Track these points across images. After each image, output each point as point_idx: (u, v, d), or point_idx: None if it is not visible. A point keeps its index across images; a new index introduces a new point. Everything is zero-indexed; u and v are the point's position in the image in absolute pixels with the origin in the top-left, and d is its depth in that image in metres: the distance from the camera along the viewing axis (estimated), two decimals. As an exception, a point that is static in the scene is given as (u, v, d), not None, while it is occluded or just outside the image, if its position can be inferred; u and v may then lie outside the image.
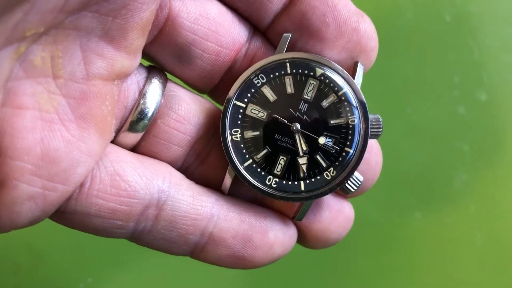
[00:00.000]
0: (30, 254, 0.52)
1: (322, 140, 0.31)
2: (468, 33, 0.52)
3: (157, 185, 0.30)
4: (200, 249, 0.32)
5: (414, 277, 0.52)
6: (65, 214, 0.29)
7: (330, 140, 0.32)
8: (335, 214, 0.33)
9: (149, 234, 0.31)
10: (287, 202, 0.33)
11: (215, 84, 0.33)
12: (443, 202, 0.52)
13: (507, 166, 0.52)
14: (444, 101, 0.53)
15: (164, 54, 0.31)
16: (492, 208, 0.52)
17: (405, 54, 0.53)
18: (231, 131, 0.32)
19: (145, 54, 0.32)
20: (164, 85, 0.31)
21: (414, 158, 0.53)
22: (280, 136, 0.32)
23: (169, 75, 0.33)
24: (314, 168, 0.32)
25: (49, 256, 0.52)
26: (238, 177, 0.32)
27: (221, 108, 0.32)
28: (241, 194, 0.34)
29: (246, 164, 0.32)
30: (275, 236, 0.32)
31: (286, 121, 0.31)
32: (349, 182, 0.31)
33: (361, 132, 0.31)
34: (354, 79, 0.31)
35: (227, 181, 0.32)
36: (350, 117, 0.31)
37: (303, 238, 0.34)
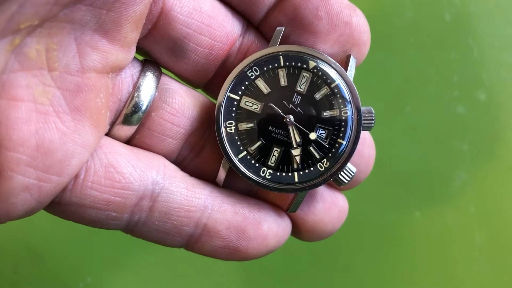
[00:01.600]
0: (30, 253, 0.52)
1: (312, 136, 0.31)
2: (467, 33, 0.52)
3: (151, 177, 0.31)
4: (194, 240, 0.32)
5: (413, 276, 0.52)
6: (60, 206, 0.29)
7: (323, 132, 0.32)
8: (329, 206, 0.34)
9: (144, 225, 0.31)
10: (281, 194, 0.33)
11: (209, 78, 0.33)
12: (443, 201, 0.52)
13: (506, 166, 0.52)
14: (444, 100, 0.52)
15: (158, 48, 0.32)
16: (491, 208, 0.52)
17: (405, 53, 0.53)
18: (225, 124, 0.32)
19: (140, 48, 0.32)
20: (158, 78, 0.32)
21: (413, 157, 0.52)
22: (274, 128, 0.32)
23: (163, 70, 0.33)
24: (307, 159, 0.32)
25: (49, 255, 0.52)
26: (232, 169, 0.32)
27: (215, 102, 0.32)
28: (236, 187, 0.34)
29: (240, 156, 0.32)
30: (269, 227, 0.32)
31: (280, 110, 0.31)
32: (342, 173, 0.32)
33: (354, 124, 0.32)
34: (346, 72, 0.32)
35: (222, 173, 0.32)
36: (342, 109, 0.32)
37: (297, 230, 0.34)
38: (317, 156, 0.32)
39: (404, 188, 0.53)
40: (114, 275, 0.53)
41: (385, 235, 0.52)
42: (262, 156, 0.32)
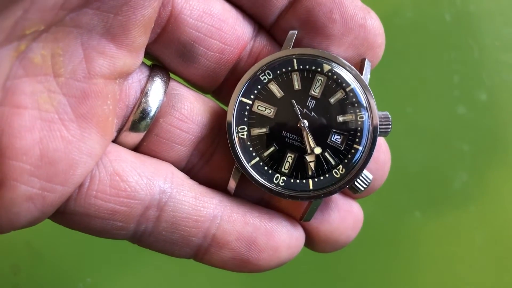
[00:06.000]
0: (30, 254, 0.52)
1: (317, 150, 0.31)
2: (468, 33, 0.52)
3: (158, 185, 0.30)
4: (203, 251, 0.31)
5: (413, 276, 0.52)
6: (65, 215, 0.29)
7: (338, 137, 0.31)
8: (344, 215, 0.33)
9: (151, 235, 0.30)
10: (295, 203, 0.32)
11: (219, 83, 0.33)
12: (443, 202, 0.52)
13: (507, 166, 0.52)
14: (444, 100, 0.52)
15: (168, 53, 0.31)
16: (492, 208, 0.52)
17: (405, 54, 0.53)
18: (237, 129, 0.31)
19: (148, 53, 0.31)
20: (166, 83, 0.31)
21: (414, 157, 0.52)
22: (287, 133, 0.31)
23: (172, 76, 0.32)
24: (322, 166, 0.31)
25: (49, 256, 0.52)
26: (244, 177, 0.31)
27: (225, 108, 0.32)
28: (247, 195, 0.33)
29: (253, 162, 0.31)
30: (281, 238, 0.31)
31: (298, 111, 0.31)
32: (358, 180, 0.31)
33: (370, 129, 0.31)
34: (361, 75, 0.31)
35: (233, 180, 0.32)
36: (358, 114, 0.31)
37: (311, 241, 0.33)
38: (333, 163, 0.31)
39: (405, 188, 0.52)
40: (114, 276, 0.52)
41: (385, 235, 0.52)
42: (275, 162, 0.31)
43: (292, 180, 0.31)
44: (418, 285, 0.52)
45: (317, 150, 0.31)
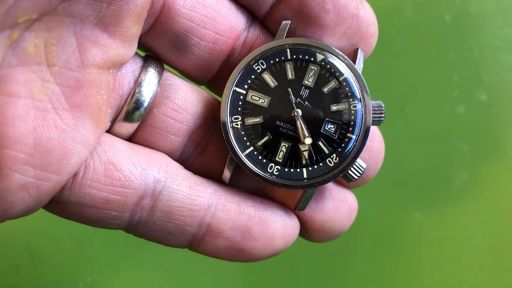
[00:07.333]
0: (30, 253, 0.52)
1: (308, 141, 0.31)
2: (467, 33, 0.52)
3: (153, 175, 0.30)
4: (198, 240, 0.31)
5: (413, 276, 0.52)
6: (59, 204, 0.29)
7: (332, 126, 0.31)
8: (338, 204, 0.33)
9: (145, 225, 0.30)
10: (289, 192, 0.32)
11: (213, 74, 0.33)
12: (443, 201, 0.52)
13: (506, 166, 0.52)
14: (444, 100, 0.52)
15: (161, 43, 0.31)
16: (491, 208, 0.51)
17: (405, 54, 0.53)
18: (231, 119, 0.31)
19: (142, 44, 0.31)
20: (160, 74, 0.31)
21: (413, 157, 0.52)
22: (281, 122, 0.31)
23: (166, 67, 0.32)
24: (316, 154, 0.31)
25: (49, 255, 0.52)
26: (238, 167, 0.31)
27: (220, 98, 0.32)
28: (242, 185, 0.33)
29: (247, 151, 0.31)
30: (275, 227, 0.31)
31: (293, 99, 0.31)
32: (352, 169, 0.31)
33: (363, 117, 0.31)
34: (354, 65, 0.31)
35: (228, 170, 0.32)
36: (351, 103, 0.31)
37: (306, 230, 0.33)
38: (326, 151, 0.31)
39: (404, 188, 0.52)
40: (114, 275, 0.52)
41: (385, 235, 0.52)
42: (269, 151, 0.31)
43: (286, 169, 0.31)
44: (418, 285, 0.51)
45: (308, 141, 0.31)
